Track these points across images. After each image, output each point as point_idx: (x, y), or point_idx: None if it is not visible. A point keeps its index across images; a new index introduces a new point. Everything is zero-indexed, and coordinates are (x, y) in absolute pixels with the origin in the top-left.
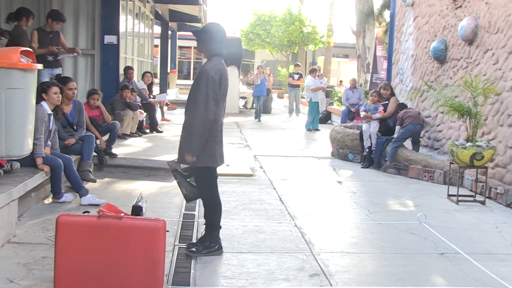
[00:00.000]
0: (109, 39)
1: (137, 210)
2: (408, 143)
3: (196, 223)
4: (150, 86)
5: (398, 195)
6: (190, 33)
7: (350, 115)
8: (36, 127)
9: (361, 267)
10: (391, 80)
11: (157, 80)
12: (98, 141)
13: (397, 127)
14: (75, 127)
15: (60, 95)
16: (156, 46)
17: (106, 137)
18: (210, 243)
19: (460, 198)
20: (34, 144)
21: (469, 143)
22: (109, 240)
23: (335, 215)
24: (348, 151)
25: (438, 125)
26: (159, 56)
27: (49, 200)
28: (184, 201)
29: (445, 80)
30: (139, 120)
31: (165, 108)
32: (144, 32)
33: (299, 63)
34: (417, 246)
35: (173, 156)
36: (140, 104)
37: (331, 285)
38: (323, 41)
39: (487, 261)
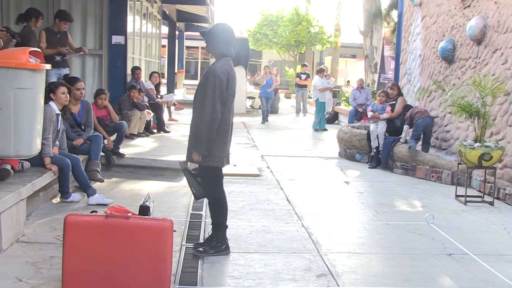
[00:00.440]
0: (117, 39)
1: (144, 210)
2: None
3: (203, 223)
4: (157, 86)
5: (406, 196)
6: (198, 33)
7: (358, 115)
8: (44, 127)
9: (368, 267)
10: (399, 80)
11: (164, 80)
12: (105, 141)
13: (405, 127)
14: (83, 127)
15: (68, 95)
16: (163, 46)
17: (113, 137)
18: (217, 243)
19: (468, 198)
20: (42, 144)
21: (477, 144)
22: (117, 240)
23: (342, 215)
24: (356, 151)
25: (446, 125)
26: (166, 56)
27: (57, 199)
28: (191, 201)
29: (453, 80)
30: (147, 120)
31: (172, 108)
32: (152, 32)
33: (306, 63)
34: (424, 246)
35: (180, 156)
36: (147, 104)
37: (338, 286)
38: (330, 41)
39: (496, 262)
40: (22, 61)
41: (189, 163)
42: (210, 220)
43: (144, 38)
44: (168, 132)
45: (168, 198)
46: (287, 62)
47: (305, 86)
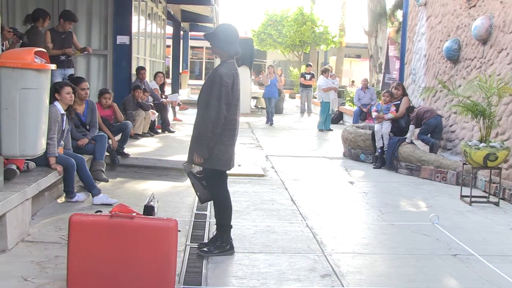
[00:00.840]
0: (122, 39)
1: (149, 210)
2: (421, 143)
3: (208, 223)
4: (162, 86)
5: (410, 196)
6: (202, 34)
7: (362, 115)
8: (50, 127)
9: (373, 268)
10: (404, 80)
11: (169, 80)
12: (110, 141)
13: (411, 126)
14: (87, 127)
15: (73, 95)
16: (168, 46)
17: (118, 137)
18: (222, 243)
19: (473, 199)
20: (47, 144)
21: (482, 144)
22: (121, 240)
23: (346, 215)
24: (360, 151)
25: (451, 126)
26: (171, 56)
27: (62, 199)
28: (196, 201)
29: (458, 80)
30: (151, 120)
31: (177, 108)
32: (156, 33)
33: (311, 63)
34: (429, 247)
35: (185, 156)
36: (152, 104)
37: (343, 286)
38: (335, 41)
39: (501, 263)
40: (27, 61)
41: (193, 165)
42: (215, 220)
43: (148, 38)
44: (172, 132)
45: (172, 198)
46: (291, 62)
47: (310, 86)
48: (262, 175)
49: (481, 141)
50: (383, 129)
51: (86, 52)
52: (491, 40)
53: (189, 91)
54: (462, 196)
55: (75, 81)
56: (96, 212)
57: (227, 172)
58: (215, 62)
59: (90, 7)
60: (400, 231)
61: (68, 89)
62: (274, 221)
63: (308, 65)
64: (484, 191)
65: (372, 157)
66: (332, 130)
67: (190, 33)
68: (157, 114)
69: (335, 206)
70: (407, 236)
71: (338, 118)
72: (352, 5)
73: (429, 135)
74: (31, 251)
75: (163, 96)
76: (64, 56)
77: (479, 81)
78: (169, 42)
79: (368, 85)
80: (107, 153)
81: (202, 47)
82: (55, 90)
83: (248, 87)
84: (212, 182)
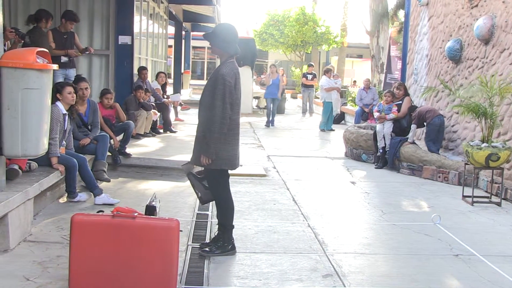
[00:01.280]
0: (124, 39)
1: (150, 210)
2: (422, 143)
3: (210, 223)
4: (164, 86)
5: (412, 196)
6: (204, 33)
7: (364, 115)
8: (51, 127)
9: (374, 268)
10: (405, 80)
11: (171, 80)
12: (112, 141)
13: (413, 126)
14: (89, 127)
15: (75, 95)
16: (170, 46)
17: (120, 137)
18: (223, 243)
19: (475, 199)
20: (49, 144)
21: (484, 144)
22: (123, 240)
23: (348, 215)
24: (362, 151)
25: (453, 126)
26: (173, 56)
27: (64, 199)
28: (197, 201)
29: (460, 80)
30: (153, 120)
31: (178, 108)
32: (158, 33)
33: (312, 63)
34: (431, 247)
35: (187, 156)
36: (154, 104)
37: (344, 286)
38: (336, 41)
39: (503, 263)
40: (29, 61)
41: (193, 166)
42: (216, 220)
43: (150, 38)
44: (174, 132)
45: (174, 198)
46: (293, 62)
47: (312, 86)
48: (264, 175)
49: (483, 141)
50: (385, 129)
51: (88, 52)
52: (493, 40)
53: (190, 91)
54: (464, 196)
55: (74, 81)
56: (98, 212)
57: (229, 172)
58: (216, 62)
59: (92, 7)
60: (401, 231)
61: (69, 89)
62: (276, 221)
63: (309, 65)
64: (486, 191)
65: (374, 157)
66: (334, 130)
67: (192, 33)
68: (159, 114)
69: (336, 206)
70: (409, 236)
71: (339, 118)
72: (354, 5)
73: (438, 146)
74: (33, 250)
75: (165, 96)
76: (66, 58)
77: (480, 83)
78: (171, 42)
79: (370, 85)
80: (109, 153)
81: (204, 47)
82: (57, 90)
83: (250, 87)
84: (215, 182)
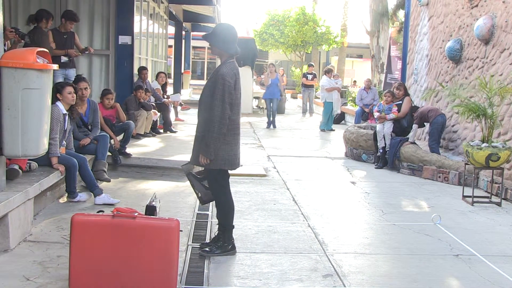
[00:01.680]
0: (124, 39)
1: (150, 210)
2: (423, 143)
3: (210, 223)
4: (164, 86)
5: (413, 196)
6: (203, 34)
7: (364, 115)
8: (52, 127)
9: (374, 268)
10: (406, 80)
11: (171, 81)
12: (112, 141)
13: (414, 126)
14: (89, 127)
15: (75, 95)
16: (170, 46)
17: (120, 137)
18: (224, 243)
19: (475, 199)
20: (49, 144)
21: (484, 144)
22: (123, 240)
23: (348, 215)
24: (362, 151)
25: (453, 126)
26: (173, 56)
27: (64, 199)
28: (198, 201)
29: (460, 80)
30: (153, 120)
31: (179, 108)
32: (158, 33)
33: (312, 63)
34: (431, 247)
35: (187, 156)
36: (154, 104)
37: (345, 286)
38: (337, 41)
39: (503, 263)
40: (29, 61)
41: (193, 166)
42: (216, 220)
43: (150, 38)
44: (174, 132)
45: (174, 198)
46: (293, 62)
47: (312, 86)
48: (264, 175)
49: (483, 141)
50: (385, 129)
51: (88, 52)
52: (493, 40)
53: (191, 91)
54: (464, 197)
55: (74, 81)
56: (98, 212)
57: (229, 172)
58: (216, 62)
59: (92, 7)
60: (402, 231)
61: (69, 89)
62: (276, 221)
63: (310, 65)
64: (486, 191)
65: (374, 157)
66: (334, 130)
67: (192, 33)
68: (159, 114)
69: (337, 206)
70: (409, 236)
71: (340, 118)
72: (354, 5)
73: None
74: (33, 250)
75: (165, 96)
76: (66, 58)
77: (480, 84)
78: (171, 42)
79: (371, 85)
80: (109, 153)
81: (204, 47)
82: (57, 90)
83: (250, 87)
84: (215, 182)
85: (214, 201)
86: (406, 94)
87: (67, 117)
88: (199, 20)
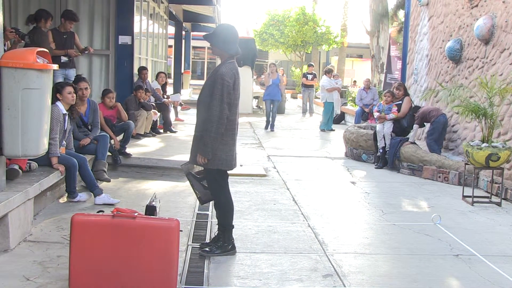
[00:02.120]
0: (124, 39)
1: (150, 210)
2: (423, 143)
3: (210, 223)
4: (164, 86)
5: (413, 196)
6: (204, 34)
7: (364, 115)
8: (52, 127)
9: (374, 268)
10: (405, 80)
11: (171, 81)
12: (112, 141)
13: (415, 126)
14: (89, 127)
15: (75, 95)
16: (170, 46)
17: (120, 137)
18: (223, 243)
19: (475, 199)
20: (49, 144)
21: (484, 144)
22: (123, 240)
23: (348, 215)
24: (362, 151)
25: (453, 126)
26: (173, 56)
27: (64, 199)
28: (197, 201)
29: (460, 80)
30: (153, 120)
31: (178, 108)
32: (158, 33)
33: (312, 63)
34: (431, 247)
35: (187, 156)
36: (154, 104)
37: (345, 286)
38: (337, 41)
39: (503, 263)
40: (29, 61)
41: (192, 166)
42: (216, 220)
43: (150, 38)
44: (174, 132)
45: (174, 198)
46: (293, 62)
47: (312, 86)
48: (264, 175)
49: (483, 141)
50: (385, 129)
51: (87, 52)
52: (494, 40)
53: (191, 91)
54: (464, 197)
55: (74, 81)
56: (98, 212)
57: (229, 172)
58: (216, 62)
59: (92, 7)
60: (402, 231)
61: (69, 89)
62: (276, 221)
63: (310, 65)
64: (486, 191)
65: (374, 157)
66: (334, 130)
67: (192, 33)
68: (159, 114)
69: (337, 206)
70: (409, 236)
71: (340, 118)
72: (354, 5)
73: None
74: (33, 250)
75: (165, 96)
76: (66, 58)
77: (479, 84)
78: (171, 42)
79: (371, 85)
80: (109, 153)
81: (204, 47)
82: (57, 90)
83: (250, 87)
84: (214, 182)
85: (213, 201)
86: (406, 94)
87: (67, 117)
88: (199, 20)
